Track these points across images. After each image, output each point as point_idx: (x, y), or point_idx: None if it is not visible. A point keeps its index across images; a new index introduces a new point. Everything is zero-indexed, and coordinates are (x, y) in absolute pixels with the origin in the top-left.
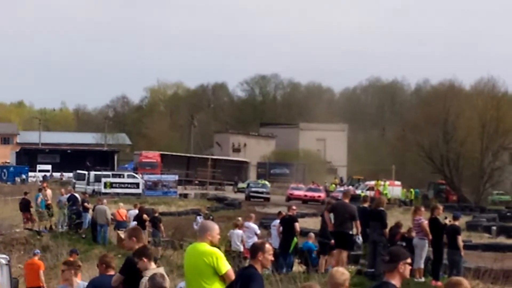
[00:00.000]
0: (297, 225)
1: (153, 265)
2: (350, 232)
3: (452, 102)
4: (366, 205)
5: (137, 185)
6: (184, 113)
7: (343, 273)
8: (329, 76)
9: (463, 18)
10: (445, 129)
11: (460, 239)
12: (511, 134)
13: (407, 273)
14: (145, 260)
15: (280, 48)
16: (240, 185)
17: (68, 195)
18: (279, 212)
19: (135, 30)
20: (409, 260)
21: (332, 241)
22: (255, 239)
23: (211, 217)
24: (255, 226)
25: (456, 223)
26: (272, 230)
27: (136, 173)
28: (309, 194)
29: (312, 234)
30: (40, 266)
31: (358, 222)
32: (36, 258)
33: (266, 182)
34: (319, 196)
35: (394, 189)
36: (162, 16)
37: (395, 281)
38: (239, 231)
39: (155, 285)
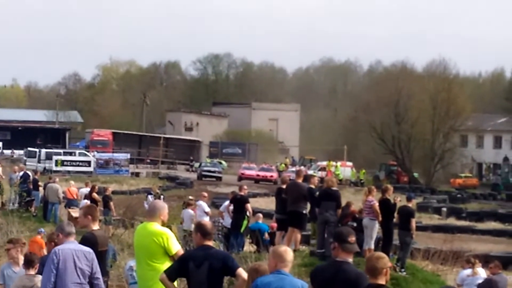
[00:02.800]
0: (249, 206)
1: (96, 225)
2: (304, 212)
3: (404, 83)
4: (313, 185)
5: (88, 163)
6: (136, 92)
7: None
8: (282, 56)
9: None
10: (396, 110)
11: (414, 221)
12: (462, 116)
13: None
14: (89, 217)
15: (233, 27)
16: (196, 164)
17: (21, 172)
18: (232, 192)
19: (88, 7)
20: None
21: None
22: (206, 218)
23: (162, 196)
24: (204, 205)
25: (410, 204)
26: (223, 209)
27: (88, 151)
28: (261, 173)
29: (260, 215)
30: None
31: (307, 201)
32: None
33: (223, 162)
34: (271, 176)
35: (345, 169)
36: None
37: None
38: (190, 211)
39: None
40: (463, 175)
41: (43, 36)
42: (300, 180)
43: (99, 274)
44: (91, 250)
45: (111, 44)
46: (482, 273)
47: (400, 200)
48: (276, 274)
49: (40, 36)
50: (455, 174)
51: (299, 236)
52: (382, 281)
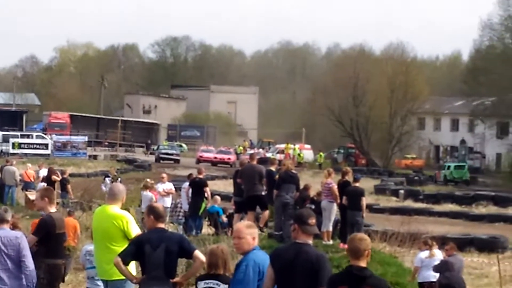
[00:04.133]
0: (207, 189)
1: (53, 208)
2: (262, 193)
3: (362, 66)
4: (273, 167)
5: (46, 146)
6: (94, 74)
7: (249, 225)
8: (240, 39)
9: None
10: (354, 93)
11: (364, 201)
12: (419, 99)
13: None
14: (46, 200)
15: (192, 9)
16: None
17: None
18: (190, 174)
19: None
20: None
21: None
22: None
23: (119, 179)
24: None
25: (357, 184)
26: (182, 192)
27: (45, 134)
28: (219, 156)
29: (217, 198)
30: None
31: (265, 181)
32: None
33: (183, 145)
34: (229, 159)
35: (304, 152)
36: None
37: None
38: (150, 193)
39: None
40: (409, 156)
41: None
42: (254, 163)
43: (25, 258)
44: (18, 235)
45: (68, 26)
46: (439, 255)
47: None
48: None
49: None
50: (400, 155)
51: (266, 215)
52: (363, 263)
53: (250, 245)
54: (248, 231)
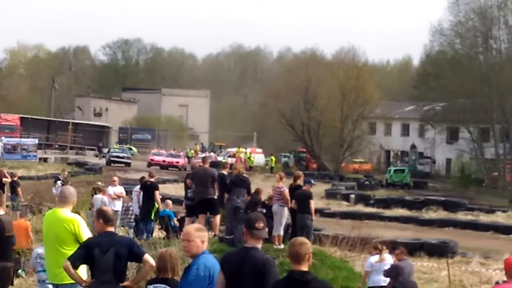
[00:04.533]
0: (157, 194)
1: (1, 211)
2: (214, 197)
3: (313, 70)
4: (225, 171)
5: None
6: (45, 76)
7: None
8: (192, 42)
9: None
10: (306, 97)
11: (313, 203)
12: (371, 103)
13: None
14: None
15: (144, 12)
16: (105, 150)
17: None
18: (141, 178)
19: None
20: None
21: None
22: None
23: (68, 182)
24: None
25: (305, 188)
26: (133, 195)
27: None
28: (168, 160)
29: (169, 201)
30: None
31: (217, 185)
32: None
33: (133, 148)
34: (177, 162)
35: (255, 156)
36: None
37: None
38: (101, 196)
39: None
40: (357, 160)
41: None
42: (207, 166)
43: None
44: None
45: (19, 27)
46: (389, 259)
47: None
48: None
49: None
50: (350, 160)
51: (218, 220)
52: (305, 267)
53: (199, 248)
54: (198, 234)
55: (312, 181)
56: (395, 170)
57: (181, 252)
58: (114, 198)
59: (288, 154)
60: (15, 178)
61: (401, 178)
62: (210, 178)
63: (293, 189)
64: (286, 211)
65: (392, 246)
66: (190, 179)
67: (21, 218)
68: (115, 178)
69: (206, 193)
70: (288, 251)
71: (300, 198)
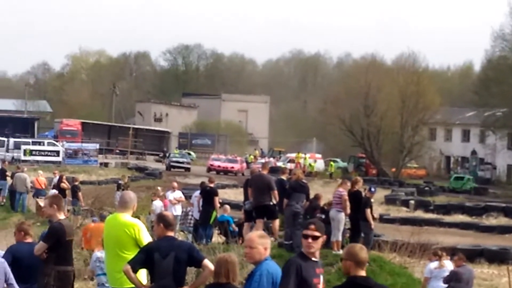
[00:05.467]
0: (217, 199)
1: (62, 215)
2: (270, 203)
3: (373, 76)
4: (284, 176)
5: (57, 153)
6: (106, 82)
7: (262, 235)
8: (252, 47)
9: None
10: (366, 103)
11: (368, 211)
12: (431, 109)
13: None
14: (55, 207)
15: (204, 18)
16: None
17: None
18: (202, 183)
19: None
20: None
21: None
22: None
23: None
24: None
25: (368, 195)
26: (193, 200)
27: (57, 141)
28: (223, 165)
29: (227, 207)
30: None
31: (276, 191)
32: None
33: (192, 153)
34: (232, 167)
35: (315, 161)
36: None
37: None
38: (159, 202)
39: None
40: (412, 166)
41: (12, 25)
42: (265, 172)
43: (12, 280)
44: (2, 260)
45: (81, 33)
46: (449, 266)
47: (365, 194)
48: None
49: (9, 25)
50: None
51: (277, 225)
52: (364, 272)
53: (262, 255)
54: (260, 241)
55: (373, 189)
56: (455, 177)
57: (240, 257)
58: (174, 203)
59: (336, 160)
60: (76, 183)
61: (460, 185)
62: (266, 185)
63: (352, 194)
64: (343, 216)
65: (452, 252)
66: (249, 185)
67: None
68: (175, 184)
69: (263, 200)
70: (346, 256)
71: (357, 205)
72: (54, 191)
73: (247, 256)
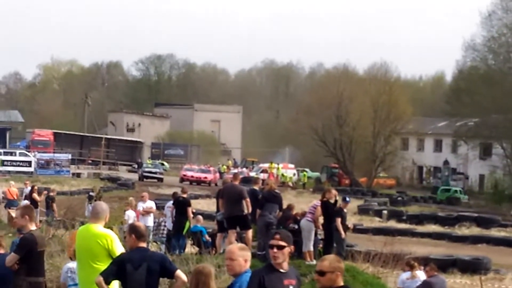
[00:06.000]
0: (190, 210)
1: (33, 226)
2: (243, 213)
3: (345, 86)
4: (256, 187)
5: (29, 163)
6: (78, 92)
7: (242, 247)
8: (224, 57)
9: (359, 2)
10: (338, 113)
11: (339, 221)
12: (403, 119)
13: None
14: (26, 218)
15: (176, 28)
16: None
17: None
18: (174, 193)
19: (28, 6)
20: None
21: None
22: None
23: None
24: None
25: (342, 205)
26: (166, 211)
27: (29, 151)
28: (196, 175)
29: (200, 217)
30: None
31: (248, 200)
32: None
33: (165, 163)
34: (205, 178)
35: (287, 171)
36: None
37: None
38: (132, 212)
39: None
40: (382, 175)
41: None
42: (237, 183)
43: None
44: None
45: (52, 43)
46: (421, 276)
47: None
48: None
49: None
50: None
51: (250, 235)
52: (341, 281)
53: (242, 267)
54: (241, 253)
55: (347, 199)
56: (442, 189)
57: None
58: (143, 214)
59: (305, 170)
60: (52, 194)
61: (445, 197)
62: (238, 195)
63: (323, 204)
64: (312, 226)
65: (425, 262)
66: (220, 196)
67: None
68: (145, 194)
69: (235, 210)
70: (322, 267)
71: (329, 214)
72: (26, 202)
73: (228, 268)
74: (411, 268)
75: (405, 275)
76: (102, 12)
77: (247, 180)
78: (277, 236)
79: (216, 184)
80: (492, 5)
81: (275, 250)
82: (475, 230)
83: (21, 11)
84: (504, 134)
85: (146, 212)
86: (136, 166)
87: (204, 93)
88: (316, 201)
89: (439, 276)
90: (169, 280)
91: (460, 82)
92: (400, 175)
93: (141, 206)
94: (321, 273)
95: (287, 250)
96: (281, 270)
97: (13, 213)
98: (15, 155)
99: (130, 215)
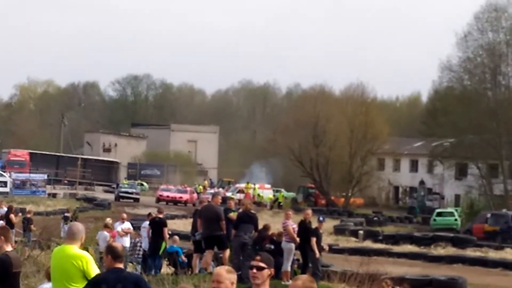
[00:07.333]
0: (166, 230)
1: (9, 247)
2: (220, 233)
3: (322, 106)
4: (230, 207)
5: (4, 183)
6: (54, 112)
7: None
8: (201, 77)
9: (335, 24)
10: (315, 133)
11: (314, 241)
12: (379, 139)
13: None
14: (2, 239)
15: (153, 48)
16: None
17: None
18: (149, 214)
19: (3, 25)
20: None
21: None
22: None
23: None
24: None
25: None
26: (142, 231)
27: (4, 172)
28: (172, 195)
29: (176, 237)
30: None
31: (223, 222)
32: None
33: (145, 183)
34: (181, 197)
35: (264, 192)
36: (33, 13)
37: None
38: (106, 233)
39: None
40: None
41: None
42: (215, 203)
43: None
44: None
45: (29, 63)
46: None
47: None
48: None
49: None
50: (359, 195)
51: (227, 255)
52: None
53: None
54: (228, 276)
55: (321, 218)
56: (438, 213)
57: None
58: (122, 235)
59: (280, 190)
60: (29, 215)
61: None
62: (215, 215)
63: (300, 224)
64: (293, 247)
65: (400, 282)
66: (198, 216)
67: None
68: (124, 215)
69: (211, 231)
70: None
71: (306, 235)
72: (1, 222)
73: None
74: None
75: None
76: (79, 32)
77: (223, 200)
78: (258, 258)
79: (194, 205)
80: (468, 26)
81: (254, 271)
82: (451, 250)
83: None
84: (480, 155)
85: (125, 233)
86: (115, 186)
87: (181, 113)
88: (285, 219)
89: None
90: None
91: (436, 102)
92: (376, 195)
93: (119, 227)
94: None
95: (266, 272)
96: None
97: None
98: None
99: (100, 236)
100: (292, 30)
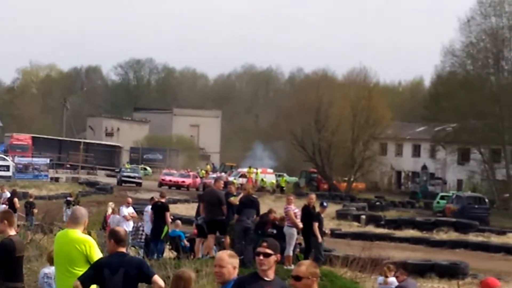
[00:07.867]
0: (168, 214)
1: (13, 231)
2: (222, 218)
3: (324, 91)
4: (231, 192)
5: (7, 167)
6: (56, 96)
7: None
8: (204, 62)
9: (338, 9)
10: (317, 118)
11: (316, 225)
12: (382, 124)
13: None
14: (5, 223)
15: (155, 32)
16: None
17: None
18: (151, 198)
19: (6, 9)
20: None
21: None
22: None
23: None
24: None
25: (319, 210)
26: (144, 215)
27: (7, 156)
28: (174, 179)
29: (178, 222)
30: None
31: (225, 207)
32: None
33: (148, 168)
34: (183, 182)
35: (266, 176)
36: None
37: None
38: (117, 216)
39: None
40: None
41: None
42: (217, 187)
43: None
44: None
45: (31, 47)
46: (393, 282)
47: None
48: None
49: None
50: (362, 179)
51: (228, 240)
52: (317, 287)
53: (231, 274)
54: (230, 260)
55: (325, 204)
56: (441, 196)
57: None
58: (128, 219)
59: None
60: (31, 199)
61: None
62: (217, 200)
63: (303, 209)
64: (295, 232)
65: (403, 267)
66: (200, 200)
67: None
68: (129, 200)
69: (215, 214)
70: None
71: (309, 220)
72: (4, 207)
73: (217, 275)
74: (384, 273)
75: (381, 279)
76: (81, 16)
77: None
78: (264, 244)
79: (197, 189)
80: (471, 11)
81: (261, 257)
82: (453, 235)
83: None
84: (482, 140)
85: (131, 217)
86: (118, 170)
87: (183, 97)
88: (287, 204)
89: (409, 280)
90: (147, 285)
91: (438, 87)
92: (379, 180)
93: (125, 211)
94: (297, 278)
95: (273, 258)
96: (266, 279)
97: None
98: None
99: (113, 220)
100: (295, 15)
